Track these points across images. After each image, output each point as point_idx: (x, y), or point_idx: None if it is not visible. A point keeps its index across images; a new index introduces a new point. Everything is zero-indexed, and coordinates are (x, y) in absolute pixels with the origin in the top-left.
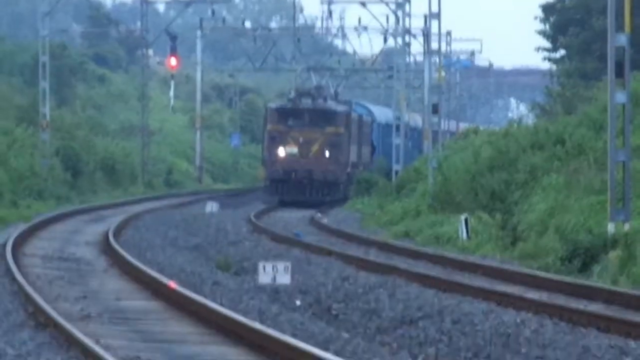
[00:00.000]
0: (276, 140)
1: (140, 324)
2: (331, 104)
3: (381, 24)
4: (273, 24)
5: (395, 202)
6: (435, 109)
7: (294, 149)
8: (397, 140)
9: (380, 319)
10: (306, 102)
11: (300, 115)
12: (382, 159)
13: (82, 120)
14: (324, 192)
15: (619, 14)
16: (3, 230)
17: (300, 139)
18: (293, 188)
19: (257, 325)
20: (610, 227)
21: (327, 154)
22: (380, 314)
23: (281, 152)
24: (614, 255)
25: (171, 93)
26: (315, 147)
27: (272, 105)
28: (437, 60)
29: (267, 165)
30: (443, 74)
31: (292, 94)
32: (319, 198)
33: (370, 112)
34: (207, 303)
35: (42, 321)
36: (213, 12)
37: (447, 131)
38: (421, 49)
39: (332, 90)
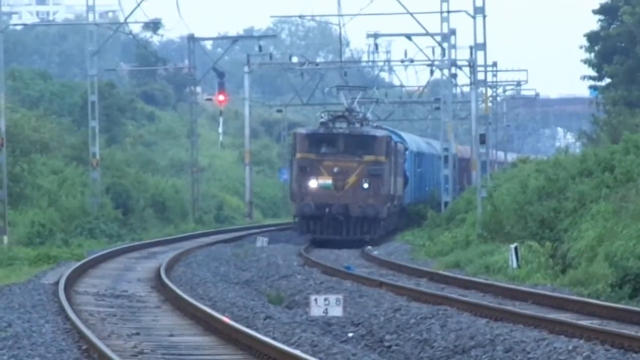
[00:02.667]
0: (306, 170)
1: None
2: (369, 129)
3: (427, 56)
4: (320, 59)
5: (445, 233)
6: (482, 140)
7: (328, 181)
8: (445, 171)
9: (432, 349)
10: (341, 127)
11: (334, 141)
12: (435, 190)
13: (131, 158)
14: (363, 230)
15: None
16: (55, 269)
17: (335, 169)
18: (327, 226)
19: (310, 358)
20: None
21: (365, 185)
22: (432, 344)
23: (312, 184)
24: None
25: (220, 129)
26: (352, 178)
27: (302, 130)
28: (483, 90)
29: (297, 199)
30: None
31: (324, 118)
32: (357, 237)
33: (402, 140)
34: (260, 337)
35: (96, 358)
36: (260, 48)
37: (494, 161)
38: (467, 80)
39: (361, 114)
